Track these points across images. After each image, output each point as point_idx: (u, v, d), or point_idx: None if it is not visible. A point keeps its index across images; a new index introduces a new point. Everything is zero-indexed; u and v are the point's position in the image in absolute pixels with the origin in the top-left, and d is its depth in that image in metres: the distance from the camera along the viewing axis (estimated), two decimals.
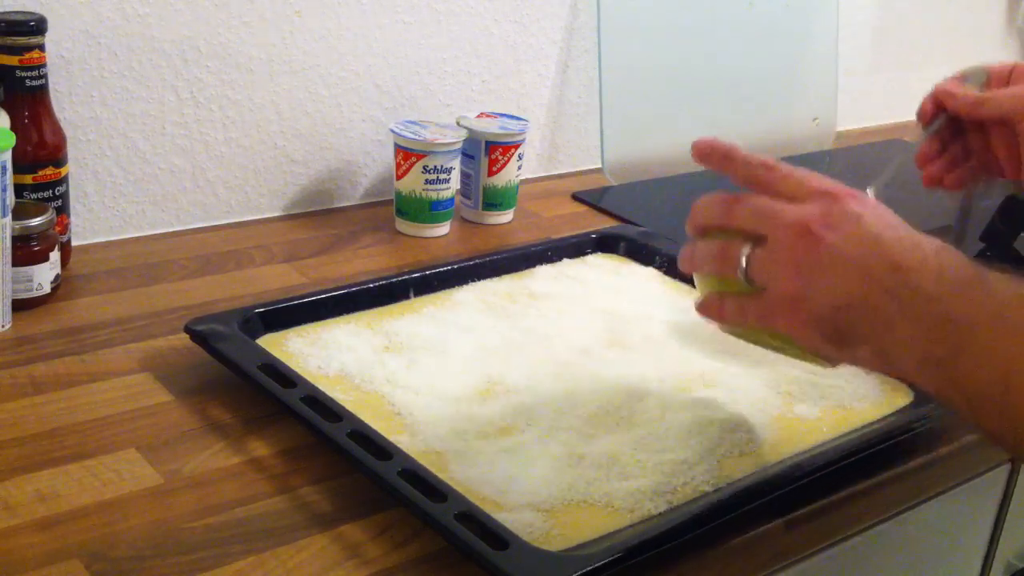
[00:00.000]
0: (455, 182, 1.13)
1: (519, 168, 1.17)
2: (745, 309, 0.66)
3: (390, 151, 1.14)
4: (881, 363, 0.63)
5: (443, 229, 1.12)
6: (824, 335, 0.63)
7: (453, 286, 0.95)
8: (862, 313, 0.61)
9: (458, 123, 1.15)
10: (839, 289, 0.61)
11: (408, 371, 0.80)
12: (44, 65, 0.90)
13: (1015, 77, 0.84)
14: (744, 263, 0.65)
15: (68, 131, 0.95)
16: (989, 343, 0.57)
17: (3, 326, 0.85)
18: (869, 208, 0.64)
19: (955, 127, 0.86)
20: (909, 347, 0.60)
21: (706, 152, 0.70)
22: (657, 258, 1.03)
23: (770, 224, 0.64)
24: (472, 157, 1.15)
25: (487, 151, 1.14)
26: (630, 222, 1.15)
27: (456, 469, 0.69)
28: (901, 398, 0.83)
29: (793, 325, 0.64)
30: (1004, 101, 0.82)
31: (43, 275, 0.88)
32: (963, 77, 0.86)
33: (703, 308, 0.70)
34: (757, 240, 0.64)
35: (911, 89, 0.95)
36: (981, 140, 0.85)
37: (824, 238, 0.62)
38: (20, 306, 0.87)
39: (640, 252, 1.04)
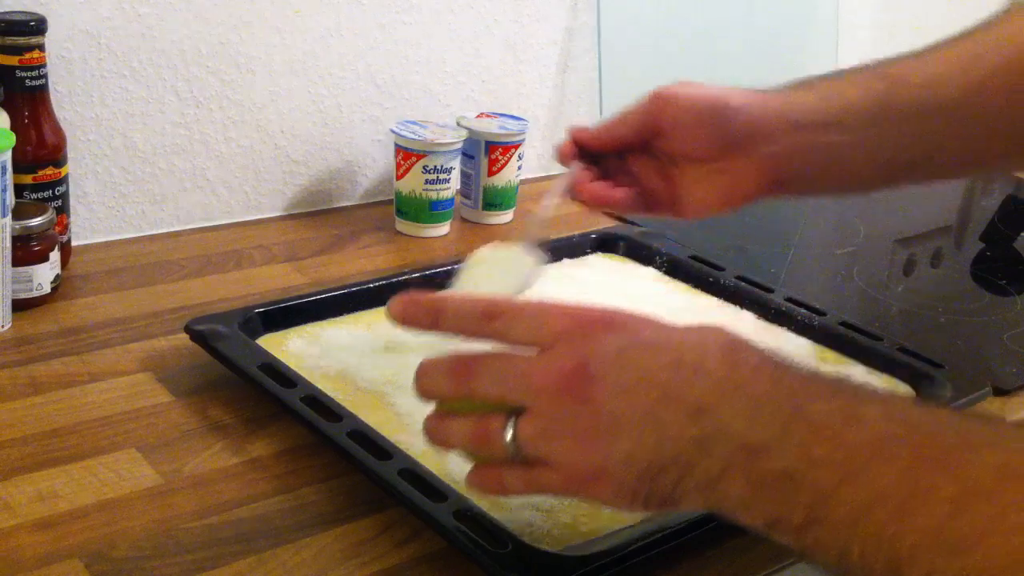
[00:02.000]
0: (455, 182, 1.13)
1: (519, 168, 1.17)
2: (536, 483, 0.55)
3: (390, 151, 1.14)
4: (722, 517, 0.51)
5: (443, 229, 1.12)
6: (640, 502, 0.53)
7: (453, 286, 0.95)
8: (677, 473, 0.51)
9: (458, 123, 1.15)
10: (637, 452, 0.51)
11: (408, 371, 0.80)
12: (44, 65, 0.90)
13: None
14: (510, 439, 0.54)
15: (68, 131, 0.95)
16: (850, 515, 0.45)
17: (3, 326, 0.85)
18: (627, 335, 0.53)
19: (600, 170, 0.75)
20: (746, 508, 0.49)
21: (408, 314, 0.59)
22: (657, 258, 1.03)
23: (525, 391, 0.54)
24: (472, 157, 1.15)
25: (487, 151, 1.14)
26: (630, 222, 1.15)
27: (456, 469, 0.69)
28: None
29: (602, 498, 0.54)
30: (631, 115, 0.74)
31: (43, 275, 0.88)
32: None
33: (479, 484, 0.58)
34: (513, 407, 0.54)
35: None
36: (629, 179, 0.75)
37: (593, 395, 0.52)
38: (20, 306, 0.87)
39: (640, 252, 1.04)
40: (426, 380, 0.58)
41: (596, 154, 0.75)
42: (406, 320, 0.60)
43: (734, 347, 0.52)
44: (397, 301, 0.60)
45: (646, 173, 0.75)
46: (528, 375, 0.54)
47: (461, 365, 0.57)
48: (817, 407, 0.48)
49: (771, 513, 0.49)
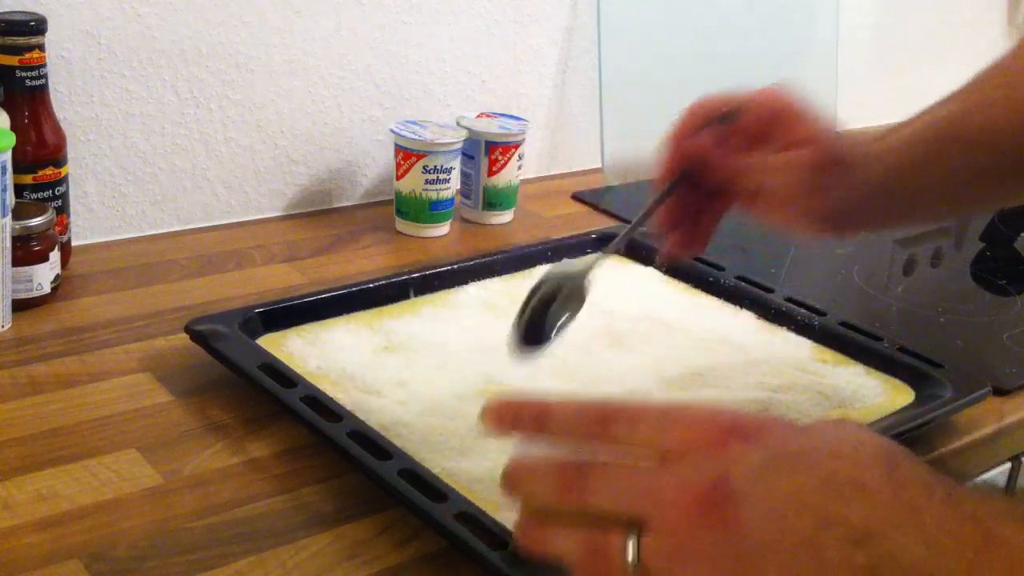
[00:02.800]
0: (455, 182, 1.13)
1: (519, 168, 1.17)
2: None
3: (390, 151, 1.14)
4: None
5: (443, 229, 1.12)
6: None
7: (453, 286, 0.95)
8: None
9: (458, 123, 1.15)
10: None
11: (408, 371, 0.80)
12: (44, 65, 0.90)
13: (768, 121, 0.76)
14: (632, 559, 0.47)
15: (68, 131, 0.95)
16: None
17: (3, 326, 0.85)
18: (768, 447, 0.47)
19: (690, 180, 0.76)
20: None
21: (505, 419, 0.53)
22: (657, 258, 1.03)
23: (648, 505, 0.47)
24: (472, 157, 1.15)
25: (487, 151, 1.14)
26: (630, 222, 1.14)
27: (456, 469, 0.69)
28: (902, 398, 0.83)
29: None
30: (773, 171, 0.73)
31: (43, 275, 0.88)
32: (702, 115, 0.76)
33: None
34: (634, 523, 0.47)
35: (911, 89, 0.95)
36: (697, 196, 0.76)
37: (734, 518, 0.45)
38: (20, 306, 0.87)
39: (640, 252, 1.04)
40: (527, 484, 0.51)
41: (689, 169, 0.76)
42: (505, 425, 0.53)
43: (895, 461, 0.45)
44: (494, 406, 0.53)
45: (688, 208, 0.78)
46: (657, 490, 0.47)
47: (572, 471, 0.50)
48: (1011, 532, 0.42)
49: None
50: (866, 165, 0.76)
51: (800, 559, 0.43)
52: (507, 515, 0.64)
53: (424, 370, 0.81)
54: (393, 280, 0.93)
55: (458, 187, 1.16)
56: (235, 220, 1.12)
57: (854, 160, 0.75)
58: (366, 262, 1.05)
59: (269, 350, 0.80)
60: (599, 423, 0.51)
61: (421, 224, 1.11)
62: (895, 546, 0.42)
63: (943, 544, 0.42)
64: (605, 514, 0.48)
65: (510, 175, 1.16)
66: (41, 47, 0.90)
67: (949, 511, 0.43)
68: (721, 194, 0.77)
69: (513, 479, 0.52)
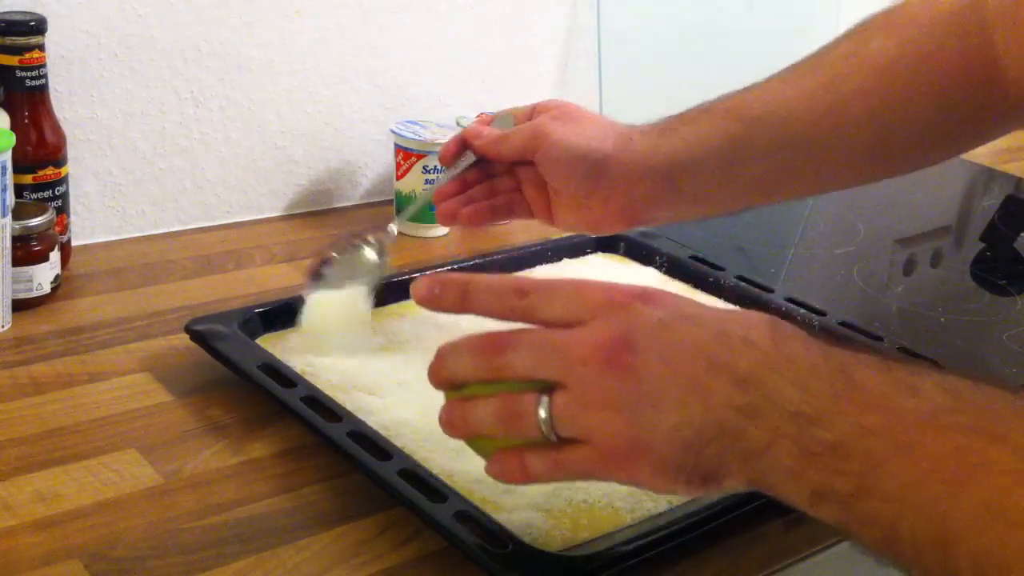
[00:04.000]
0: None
1: None
2: (566, 465, 0.53)
3: (390, 151, 1.14)
4: (762, 492, 0.50)
5: (443, 229, 1.12)
6: (683, 479, 0.51)
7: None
8: (723, 444, 0.49)
9: (458, 123, 1.15)
10: (681, 423, 0.49)
11: (408, 371, 0.80)
12: (44, 65, 0.90)
13: (536, 113, 0.80)
14: (544, 416, 0.52)
15: (68, 131, 0.95)
16: (900, 487, 0.45)
17: (3, 326, 0.85)
18: (667, 309, 0.53)
19: (487, 170, 0.82)
20: (795, 478, 0.48)
21: (432, 295, 0.58)
22: (657, 258, 1.03)
23: (563, 365, 0.52)
24: None
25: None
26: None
27: (456, 469, 0.69)
28: None
29: (639, 477, 0.52)
30: (515, 138, 0.78)
31: (43, 275, 0.88)
32: (491, 120, 0.84)
33: (501, 472, 0.56)
34: (548, 385, 0.52)
35: None
36: (511, 181, 0.81)
37: (634, 365, 0.50)
38: (20, 306, 0.87)
39: (640, 252, 1.04)
40: (450, 361, 0.56)
41: (483, 158, 0.81)
42: (432, 301, 0.58)
43: (779, 325, 0.52)
44: (422, 281, 0.58)
45: (528, 182, 0.81)
46: (566, 348, 0.52)
47: (491, 341, 0.55)
48: (870, 377, 0.48)
49: (819, 483, 0.47)
50: (644, 158, 0.77)
51: (690, 399, 0.49)
52: (507, 515, 0.65)
53: (424, 370, 0.80)
54: (393, 280, 0.93)
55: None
56: (235, 220, 1.12)
57: (626, 153, 0.77)
58: None
59: (269, 350, 0.80)
60: (517, 296, 0.55)
61: (421, 224, 1.11)
62: (771, 389, 0.48)
63: (812, 387, 0.48)
64: (521, 378, 0.53)
65: None
66: (41, 47, 0.90)
67: (820, 361, 0.49)
68: (508, 174, 0.82)
69: (440, 359, 0.57)
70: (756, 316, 0.53)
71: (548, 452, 0.53)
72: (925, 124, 0.74)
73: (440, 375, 0.57)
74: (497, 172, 0.82)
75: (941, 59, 0.73)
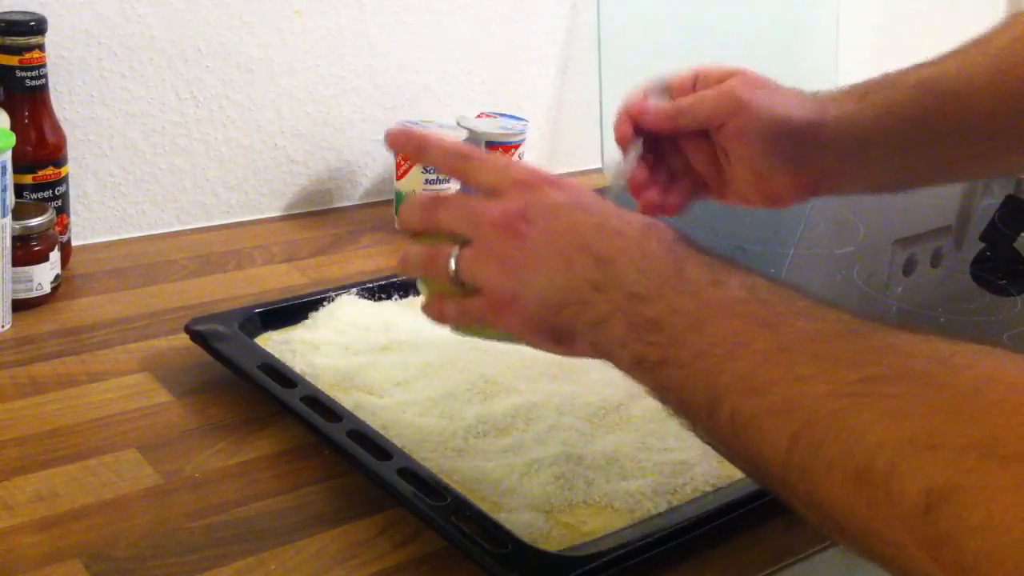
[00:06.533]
0: (455, 182, 1.13)
1: None
2: (466, 311, 0.64)
3: (390, 151, 1.14)
4: (601, 358, 0.60)
5: None
6: (543, 334, 0.61)
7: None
8: (575, 310, 0.59)
9: (458, 123, 1.15)
10: (547, 286, 0.60)
11: (408, 371, 0.80)
12: (44, 65, 0.90)
13: (700, 83, 0.76)
14: (452, 266, 0.63)
15: (68, 131, 0.95)
16: (690, 357, 0.54)
17: (3, 326, 0.85)
18: (569, 196, 0.62)
19: (654, 146, 0.76)
20: (622, 346, 0.57)
21: (400, 140, 0.71)
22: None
23: (473, 224, 0.63)
24: None
25: (487, 151, 1.14)
26: None
27: (456, 469, 0.69)
28: None
29: (512, 325, 0.62)
30: (699, 108, 0.74)
31: (43, 275, 0.88)
32: (645, 92, 0.77)
33: (427, 311, 0.67)
34: (465, 241, 0.63)
35: None
36: (680, 159, 0.77)
37: (525, 233, 0.60)
38: (20, 306, 0.87)
39: None
40: (406, 210, 0.67)
41: (652, 134, 0.76)
42: (396, 144, 0.72)
43: (654, 226, 0.60)
44: (394, 130, 0.71)
45: (699, 158, 0.76)
46: (482, 211, 0.62)
47: (434, 199, 0.66)
48: (693, 270, 0.56)
49: (638, 352, 0.56)
50: (839, 126, 0.75)
51: (558, 268, 0.59)
52: (507, 515, 0.65)
53: (424, 370, 0.81)
54: (393, 280, 0.93)
55: (458, 187, 1.16)
56: (235, 220, 1.12)
57: (824, 121, 0.74)
58: (366, 262, 1.05)
59: (269, 350, 0.80)
60: (459, 158, 0.67)
61: None
62: (620, 270, 0.58)
63: (649, 272, 0.57)
64: (445, 231, 0.64)
65: None
66: (41, 47, 0.90)
67: (664, 252, 0.58)
68: (674, 151, 0.77)
69: (402, 210, 0.68)
70: (641, 218, 0.61)
71: (458, 302, 0.64)
72: None
73: (401, 224, 0.69)
74: (666, 151, 0.77)
75: None
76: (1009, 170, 0.82)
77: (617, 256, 0.58)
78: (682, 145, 0.76)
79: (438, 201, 0.66)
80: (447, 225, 0.64)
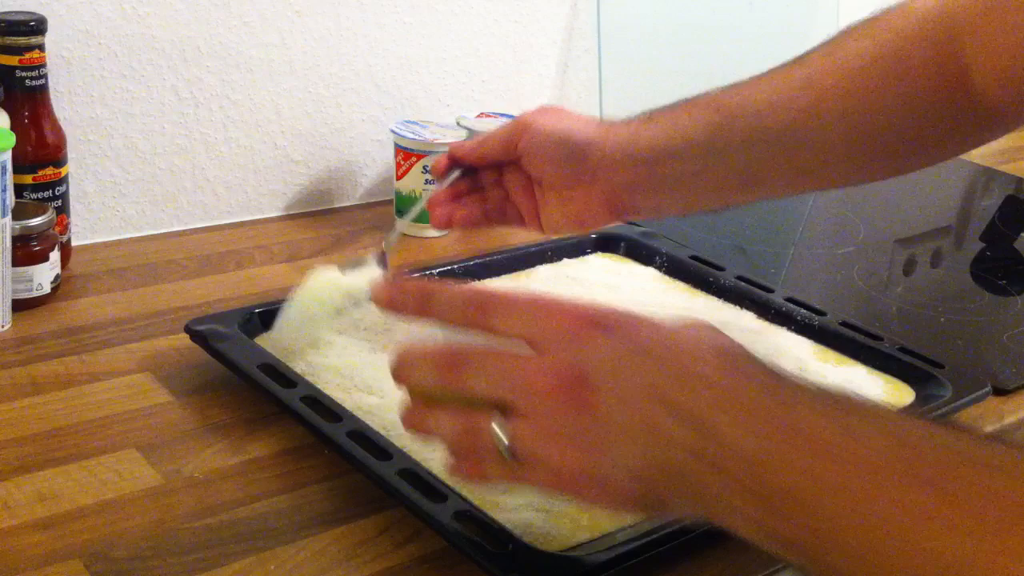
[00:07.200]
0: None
1: None
2: (521, 477, 0.54)
3: (390, 151, 1.14)
4: (713, 522, 0.51)
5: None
6: (635, 506, 0.53)
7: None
8: (672, 481, 0.50)
9: (458, 123, 1.15)
10: (633, 459, 0.51)
11: None
12: (44, 65, 0.90)
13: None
14: (505, 441, 0.53)
15: (68, 131, 0.95)
16: (846, 530, 0.45)
17: (3, 326, 0.85)
18: (625, 341, 0.53)
19: (477, 181, 0.82)
20: (745, 519, 0.49)
21: (397, 299, 0.59)
22: (657, 258, 1.03)
23: (520, 392, 0.53)
24: None
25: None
26: (630, 222, 1.15)
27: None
28: (902, 398, 0.83)
29: (594, 500, 0.53)
30: (498, 134, 0.80)
31: (43, 275, 0.88)
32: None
33: (457, 472, 0.57)
34: (503, 406, 0.53)
35: None
36: (500, 192, 0.82)
37: (592, 403, 0.51)
38: (20, 306, 0.87)
39: (640, 252, 1.04)
40: (408, 369, 0.57)
41: (472, 167, 0.82)
42: (392, 305, 0.59)
43: (725, 353, 0.52)
44: (383, 287, 0.59)
45: (515, 187, 0.81)
46: (525, 377, 0.53)
47: (449, 358, 0.55)
48: (810, 417, 0.48)
49: (769, 526, 0.48)
50: (622, 141, 0.77)
51: (646, 439, 0.50)
52: (507, 515, 0.65)
53: None
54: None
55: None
56: (235, 220, 1.12)
57: (607, 138, 0.77)
58: None
59: (269, 350, 0.80)
60: (477, 310, 0.56)
61: (421, 224, 1.11)
62: (724, 432, 0.48)
63: (761, 431, 0.48)
64: (479, 398, 0.54)
65: None
66: (41, 47, 0.90)
67: (767, 399, 0.49)
68: (496, 186, 0.82)
69: (399, 366, 0.58)
70: (704, 343, 0.53)
71: (506, 466, 0.54)
72: (899, 128, 0.75)
73: (400, 379, 0.58)
74: (486, 183, 0.82)
75: (913, 64, 0.73)
76: (823, 185, 0.83)
77: (711, 413, 0.49)
78: (504, 179, 0.82)
79: (459, 360, 0.55)
80: (481, 394, 0.54)
